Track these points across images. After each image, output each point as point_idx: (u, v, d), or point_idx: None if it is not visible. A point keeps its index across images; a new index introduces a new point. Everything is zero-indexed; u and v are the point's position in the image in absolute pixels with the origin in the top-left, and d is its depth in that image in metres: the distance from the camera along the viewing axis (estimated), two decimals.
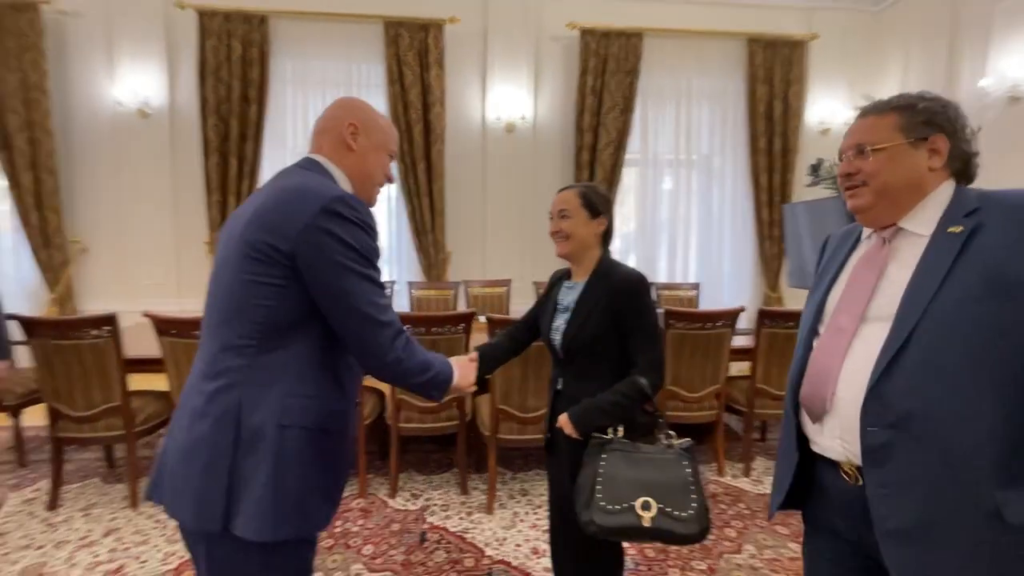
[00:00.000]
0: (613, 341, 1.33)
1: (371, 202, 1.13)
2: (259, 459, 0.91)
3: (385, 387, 2.63)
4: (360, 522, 2.27)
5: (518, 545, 2.12)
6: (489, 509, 2.38)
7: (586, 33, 4.40)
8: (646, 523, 1.03)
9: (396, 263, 4.68)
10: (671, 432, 1.20)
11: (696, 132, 4.76)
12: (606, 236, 1.43)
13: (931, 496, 0.77)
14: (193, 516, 0.92)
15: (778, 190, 4.67)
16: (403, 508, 2.39)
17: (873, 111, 0.90)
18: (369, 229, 0.98)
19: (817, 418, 0.90)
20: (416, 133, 4.32)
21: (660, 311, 2.21)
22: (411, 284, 4.05)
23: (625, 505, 1.04)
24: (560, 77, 4.60)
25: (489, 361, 1.48)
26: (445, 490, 2.57)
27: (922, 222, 0.86)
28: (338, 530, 2.20)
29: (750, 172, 4.69)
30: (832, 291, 0.96)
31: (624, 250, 4.78)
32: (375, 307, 0.96)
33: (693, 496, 1.07)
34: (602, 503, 1.05)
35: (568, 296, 1.43)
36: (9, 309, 3.59)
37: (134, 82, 4.22)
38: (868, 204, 0.89)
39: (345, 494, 2.53)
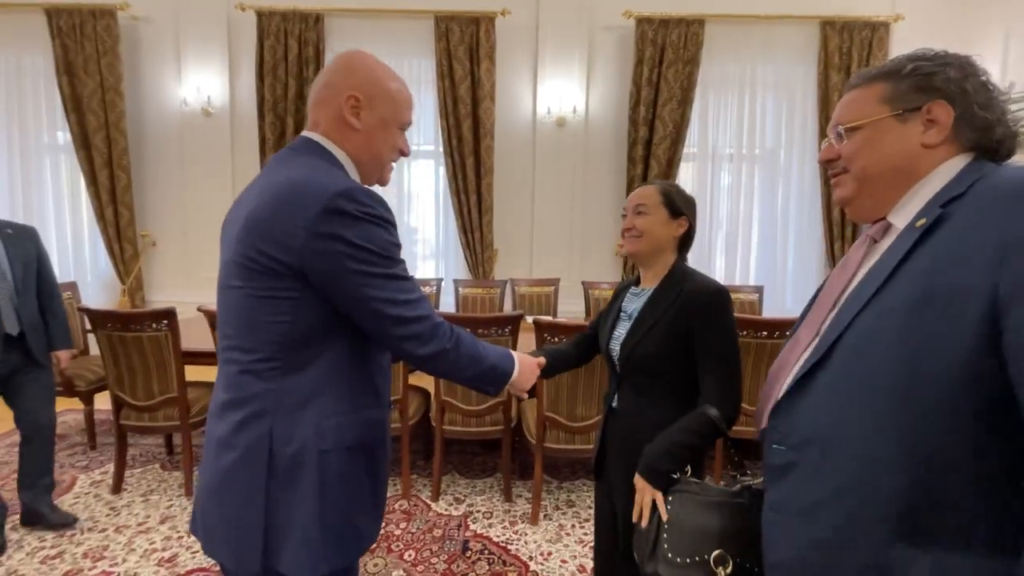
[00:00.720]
0: (679, 359, 1.18)
1: (382, 181, 0.99)
2: (302, 491, 0.83)
3: (431, 387, 2.58)
4: (403, 525, 2.23)
5: (564, 561, 2.02)
6: (534, 519, 2.29)
7: (643, 21, 4.19)
8: None
9: (442, 260, 4.67)
10: (747, 472, 1.01)
11: (760, 124, 4.46)
12: (684, 241, 1.30)
13: (819, 532, 0.65)
14: (230, 558, 0.85)
15: None
16: (445, 513, 2.34)
17: (858, 82, 0.74)
18: (382, 222, 0.84)
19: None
20: (465, 128, 4.26)
21: None
22: (457, 282, 4.01)
23: (697, 559, 0.89)
24: (614, 69, 4.42)
25: (552, 367, 1.35)
26: (488, 496, 2.50)
27: (907, 212, 0.68)
28: (381, 532, 2.17)
29: (820, 167, 4.33)
30: (818, 297, 0.84)
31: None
32: (404, 305, 0.85)
33: None
34: (669, 555, 0.91)
35: (633, 303, 1.29)
36: (86, 300, 3.81)
37: (198, 82, 4.39)
38: (850, 194, 0.74)
39: (388, 494, 2.54)
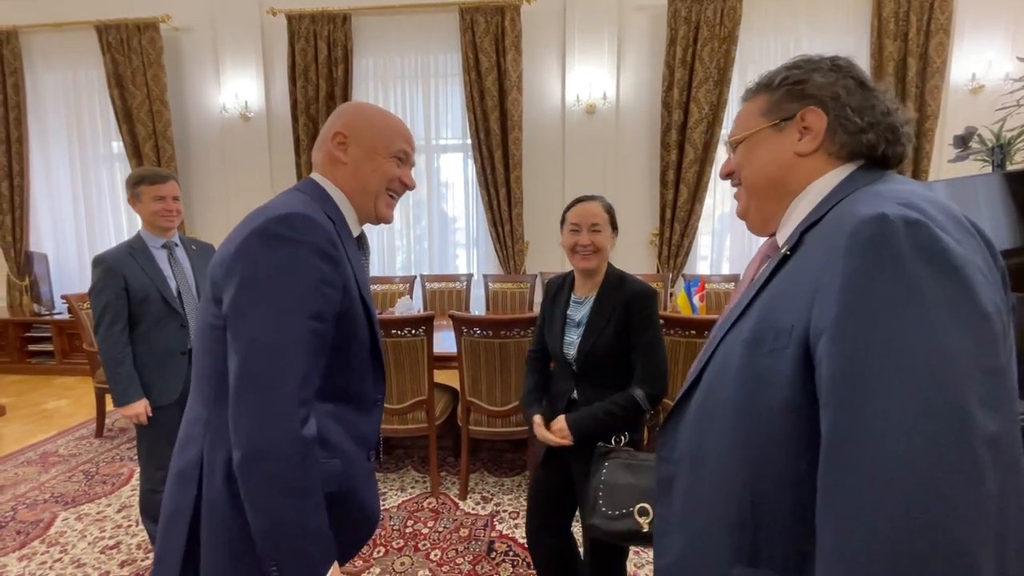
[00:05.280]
0: (628, 352, 1.40)
1: (382, 216, 0.95)
2: (218, 534, 0.78)
3: (456, 385, 2.60)
4: (430, 524, 2.27)
5: None
6: None
7: None
8: (645, 529, 1.04)
9: (473, 254, 4.68)
10: None
11: None
12: None
13: (685, 545, 0.69)
14: (156, 564, 0.86)
15: (909, 164, 3.96)
16: (473, 512, 2.37)
17: (745, 96, 0.74)
18: (312, 248, 0.76)
19: None
20: (492, 121, 4.22)
21: None
22: (487, 277, 4.00)
23: (625, 511, 1.07)
24: (645, 51, 4.24)
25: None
26: (516, 495, 2.51)
27: (784, 233, 0.68)
28: (409, 530, 2.22)
29: None
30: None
31: (720, 231, 4.41)
32: (273, 366, 0.71)
33: None
34: (603, 509, 1.09)
35: (580, 311, 1.45)
36: None
37: (236, 88, 4.55)
38: (743, 208, 0.75)
39: (417, 491, 2.60)
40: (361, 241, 0.99)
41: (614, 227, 1.43)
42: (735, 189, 0.77)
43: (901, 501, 0.45)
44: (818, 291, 0.54)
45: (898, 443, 0.46)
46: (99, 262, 1.78)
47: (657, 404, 1.35)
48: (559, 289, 1.52)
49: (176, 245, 1.92)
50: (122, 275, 1.76)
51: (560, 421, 1.39)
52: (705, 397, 0.68)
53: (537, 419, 1.45)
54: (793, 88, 0.66)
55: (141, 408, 1.76)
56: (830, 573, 0.50)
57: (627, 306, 1.36)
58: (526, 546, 2.10)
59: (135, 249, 1.83)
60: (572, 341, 1.43)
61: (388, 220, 0.97)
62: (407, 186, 0.97)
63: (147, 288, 1.79)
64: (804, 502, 0.56)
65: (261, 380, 0.72)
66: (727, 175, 0.77)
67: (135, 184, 1.82)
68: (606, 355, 1.37)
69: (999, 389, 0.47)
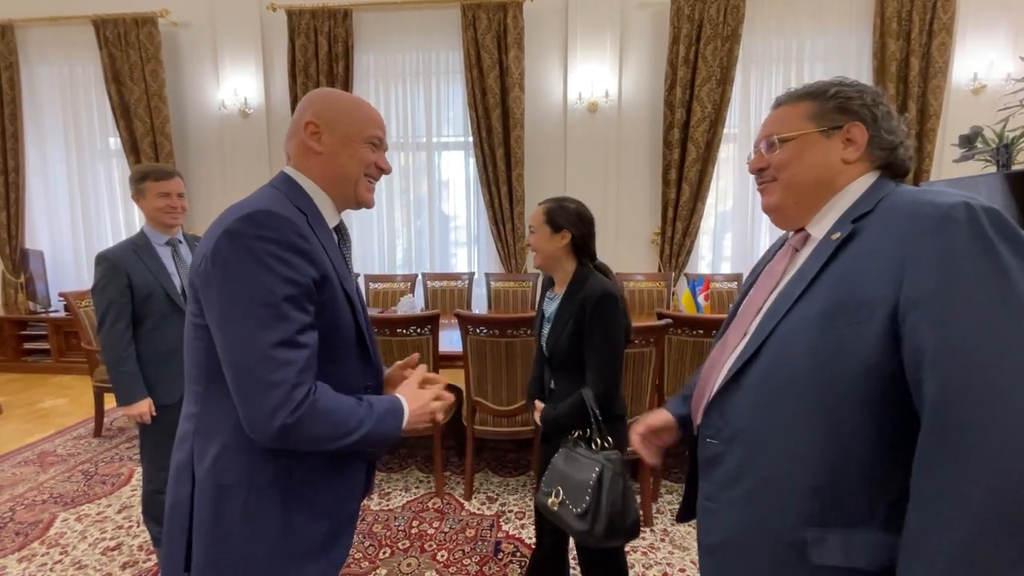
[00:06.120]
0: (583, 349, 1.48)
1: (363, 202, 0.96)
2: (210, 519, 0.82)
3: (462, 384, 2.58)
4: (436, 524, 2.25)
5: None
6: None
7: None
8: (553, 507, 1.28)
9: (474, 253, 4.66)
10: (609, 441, 1.33)
11: None
12: (580, 249, 1.48)
13: (745, 517, 0.75)
14: (163, 559, 0.89)
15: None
16: (478, 512, 2.35)
17: (786, 99, 0.82)
18: (283, 244, 0.77)
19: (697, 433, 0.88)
20: (494, 119, 4.19)
21: None
22: (489, 276, 3.98)
23: (548, 490, 1.31)
24: (647, 49, 4.22)
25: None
26: (521, 495, 2.49)
27: (823, 225, 0.77)
28: (414, 531, 2.20)
29: None
30: (744, 302, 0.89)
31: (720, 229, 4.40)
32: (263, 362, 0.75)
33: (587, 498, 1.22)
34: (542, 487, 1.33)
35: (550, 307, 1.55)
36: None
37: (235, 84, 4.50)
38: (778, 202, 0.81)
39: (421, 491, 2.58)
40: (340, 231, 0.98)
41: (555, 227, 1.45)
42: (762, 184, 0.83)
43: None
44: (906, 267, 0.62)
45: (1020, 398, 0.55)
46: (102, 259, 1.75)
47: (610, 403, 1.43)
48: (547, 285, 1.64)
49: (180, 242, 1.89)
50: (126, 272, 1.73)
51: (539, 407, 1.56)
52: (768, 374, 0.72)
53: (537, 404, 1.60)
54: (845, 102, 0.76)
55: (145, 408, 1.73)
56: (942, 513, 0.57)
57: (582, 306, 1.41)
58: (534, 548, 2.09)
59: (139, 246, 1.80)
60: (545, 334, 1.55)
61: (370, 204, 0.98)
62: (383, 170, 0.97)
63: (151, 285, 1.76)
64: (880, 460, 0.65)
65: (252, 373, 0.76)
66: (759, 170, 0.83)
67: (139, 180, 1.79)
68: (567, 350, 1.45)
69: None
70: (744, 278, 2.84)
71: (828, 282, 0.70)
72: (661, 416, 0.99)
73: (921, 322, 0.59)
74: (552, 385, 1.56)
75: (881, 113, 0.76)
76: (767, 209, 0.84)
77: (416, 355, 1.08)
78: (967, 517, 0.55)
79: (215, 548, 0.82)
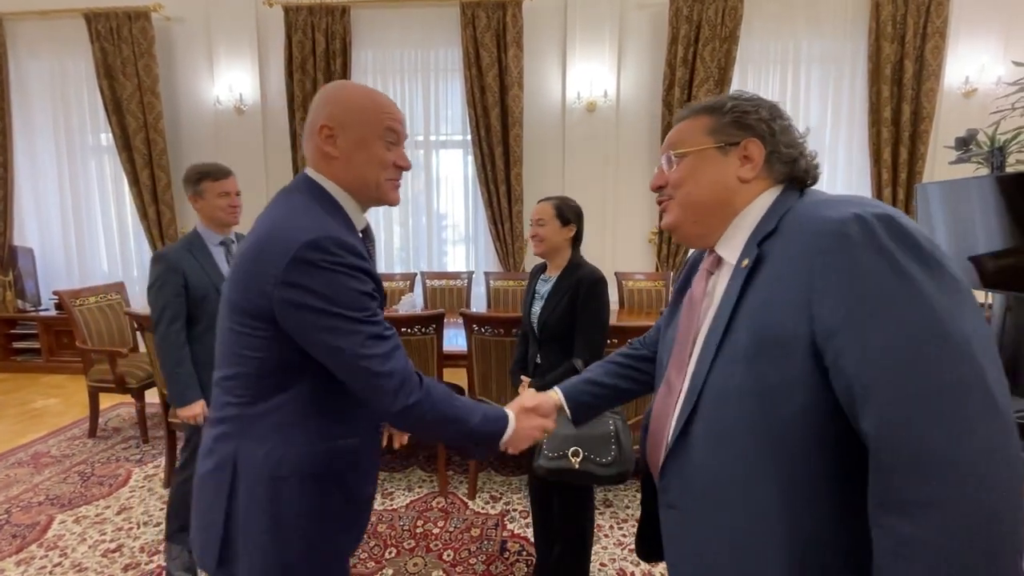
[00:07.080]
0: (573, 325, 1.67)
1: (387, 200, 0.96)
2: (258, 515, 0.88)
3: (464, 383, 2.58)
4: (440, 524, 2.25)
5: (603, 565, 2.00)
6: None
7: None
8: (576, 466, 1.28)
9: (472, 252, 4.65)
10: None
11: (804, 102, 4.22)
12: (576, 240, 1.74)
13: None
14: (196, 552, 0.94)
15: (904, 166, 4.03)
16: (483, 511, 2.35)
17: (687, 114, 0.79)
18: (350, 270, 0.84)
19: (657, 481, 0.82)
20: (493, 118, 4.19)
21: None
22: (488, 275, 3.98)
23: (561, 453, 1.30)
24: (646, 49, 4.24)
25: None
26: (524, 494, 2.50)
27: (732, 248, 0.73)
28: (419, 531, 2.20)
29: (869, 145, 4.08)
30: (670, 329, 0.84)
31: None
32: (371, 359, 0.83)
33: (613, 447, 1.29)
34: (545, 452, 1.31)
35: (544, 287, 1.77)
36: (132, 299, 3.93)
37: (230, 81, 4.45)
38: (675, 221, 0.78)
39: (424, 491, 2.58)
40: (367, 234, 0.99)
41: (565, 221, 1.69)
42: (661, 203, 0.81)
43: (973, 474, 0.50)
44: (812, 292, 0.59)
45: (956, 423, 0.51)
46: (159, 259, 1.75)
47: None
48: (538, 271, 1.85)
49: (233, 242, 1.89)
50: (182, 272, 1.72)
51: (525, 382, 1.72)
52: (711, 426, 0.68)
53: (524, 379, 1.75)
54: (741, 116, 0.73)
55: (199, 409, 1.72)
56: (903, 560, 0.53)
57: (576, 287, 1.65)
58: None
59: (194, 246, 1.80)
60: (536, 311, 1.75)
61: (395, 202, 0.98)
62: (402, 168, 0.96)
63: (206, 286, 1.75)
64: (851, 500, 0.59)
65: (366, 370, 0.84)
66: (658, 188, 0.80)
67: (197, 181, 1.79)
68: (557, 325, 1.67)
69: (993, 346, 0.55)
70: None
71: (746, 314, 0.66)
72: (541, 398, 1.05)
73: (841, 354, 0.56)
74: (538, 360, 1.76)
75: (779, 127, 0.73)
76: (666, 227, 0.81)
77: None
78: (928, 566, 0.51)
79: (280, 534, 0.88)
